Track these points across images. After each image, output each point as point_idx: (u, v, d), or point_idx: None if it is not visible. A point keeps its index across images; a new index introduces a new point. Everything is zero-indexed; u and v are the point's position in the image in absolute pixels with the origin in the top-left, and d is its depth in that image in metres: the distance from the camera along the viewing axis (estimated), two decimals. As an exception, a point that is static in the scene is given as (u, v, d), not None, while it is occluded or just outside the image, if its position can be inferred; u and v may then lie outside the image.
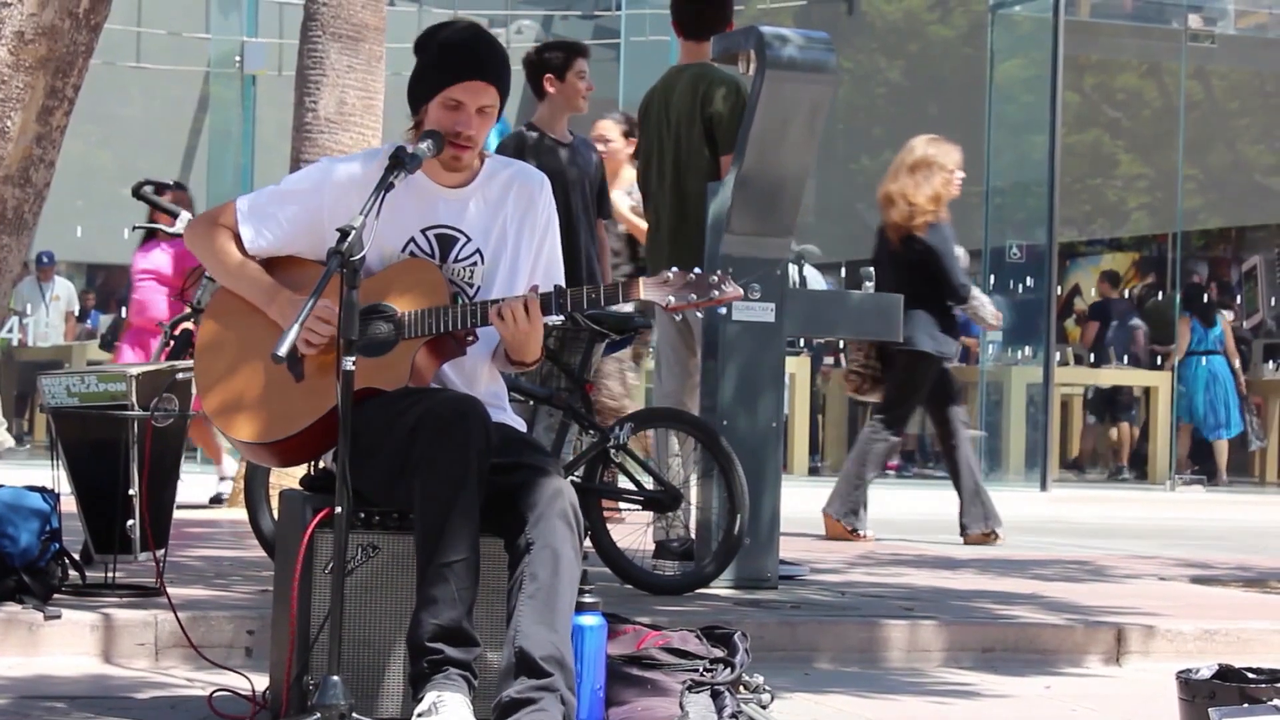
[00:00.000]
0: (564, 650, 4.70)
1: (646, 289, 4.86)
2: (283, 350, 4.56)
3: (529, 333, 4.91)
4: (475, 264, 5.11)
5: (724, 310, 7.50)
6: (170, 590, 6.25)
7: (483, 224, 5.13)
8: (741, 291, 4.92)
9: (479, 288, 5.10)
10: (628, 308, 7.34)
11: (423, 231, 5.09)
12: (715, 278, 4.86)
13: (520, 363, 5.07)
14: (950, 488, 10.96)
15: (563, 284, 5.06)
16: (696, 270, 4.89)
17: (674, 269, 4.90)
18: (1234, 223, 25.63)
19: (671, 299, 4.85)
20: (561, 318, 5.17)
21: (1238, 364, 19.77)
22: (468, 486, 4.71)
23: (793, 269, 15.79)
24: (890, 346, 10.47)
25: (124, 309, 20.12)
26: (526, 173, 5.25)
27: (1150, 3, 20.13)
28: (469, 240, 5.11)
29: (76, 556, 6.56)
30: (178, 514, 7.05)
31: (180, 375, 6.64)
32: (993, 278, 18.18)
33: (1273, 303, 24.19)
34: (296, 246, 5.12)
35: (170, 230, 8.27)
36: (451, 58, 5.04)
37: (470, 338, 5.02)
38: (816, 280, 18.44)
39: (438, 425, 4.74)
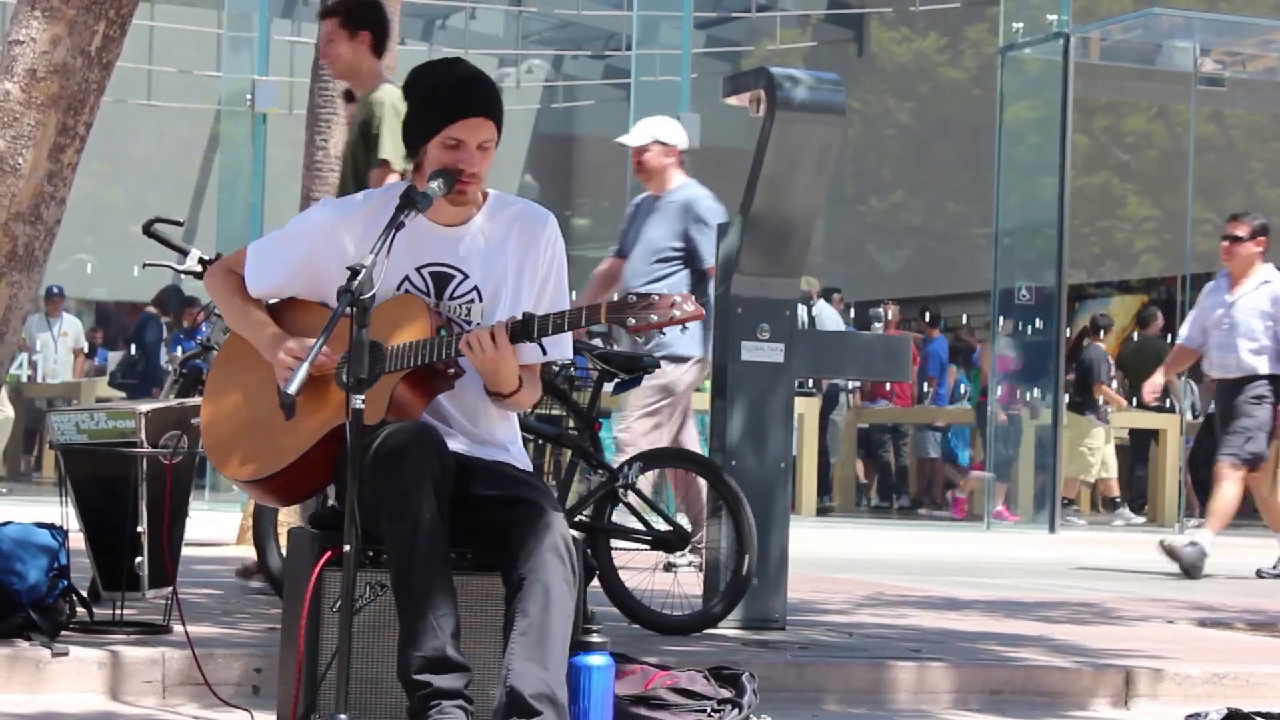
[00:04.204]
0: (556, 687, 4.69)
1: (610, 312, 4.88)
2: (293, 388, 4.59)
3: (498, 361, 4.92)
4: (473, 301, 5.12)
5: (732, 338, 7.51)
6: (177, 627, 6.24)
7: (481, 261, 5.14)
8: (703, 311, 4.95)
9: (478, 325, 5.10)
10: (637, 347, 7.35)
11: (417, 270, 5.10)
12: (678, 298, 4.88)
13: (498, 394, 5.06)
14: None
15: None
16: (661, 292, 4.91)
17: (639, 290, 4.92)
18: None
19: (632, 320, 4.86)
20: (555, 354, 5.18)
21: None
22: (427, 515, 4.72)
23: (801, 309, 15.81)
24: None
25: (132, 346, 20.19)
26: (530, 210, 5.26)
27: (1159, 46, 20.15)
28: (466, 277, 5.12)
29: (84, 593, 6.56)
30: (186, 551, 7.04)
31: (192, 417, 6.65)
32: (1001, 320, 18.18)
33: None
34: (294, 288, 5.17)
35: (180, 268, 8.27)
36: (446, 97, 5.05)
37: (452, 370, 5.03)
38: (832, 317, 18.45)
39: (384, 458, 4.77)
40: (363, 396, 4.64)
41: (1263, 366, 12.14)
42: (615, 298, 4.91)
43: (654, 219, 9.69)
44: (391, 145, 7.76)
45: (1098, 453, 19.21)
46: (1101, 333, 20.03)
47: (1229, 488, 12.19)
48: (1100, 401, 19.29)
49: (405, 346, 4.96)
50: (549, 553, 4.75)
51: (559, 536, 4.78)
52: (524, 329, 4.91)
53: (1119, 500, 19.96)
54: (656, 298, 4.86)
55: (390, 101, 7.83)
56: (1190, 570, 12.02)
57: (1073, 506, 19.28)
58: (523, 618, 4.71)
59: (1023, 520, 18.12)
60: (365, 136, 7.95)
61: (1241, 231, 12.33)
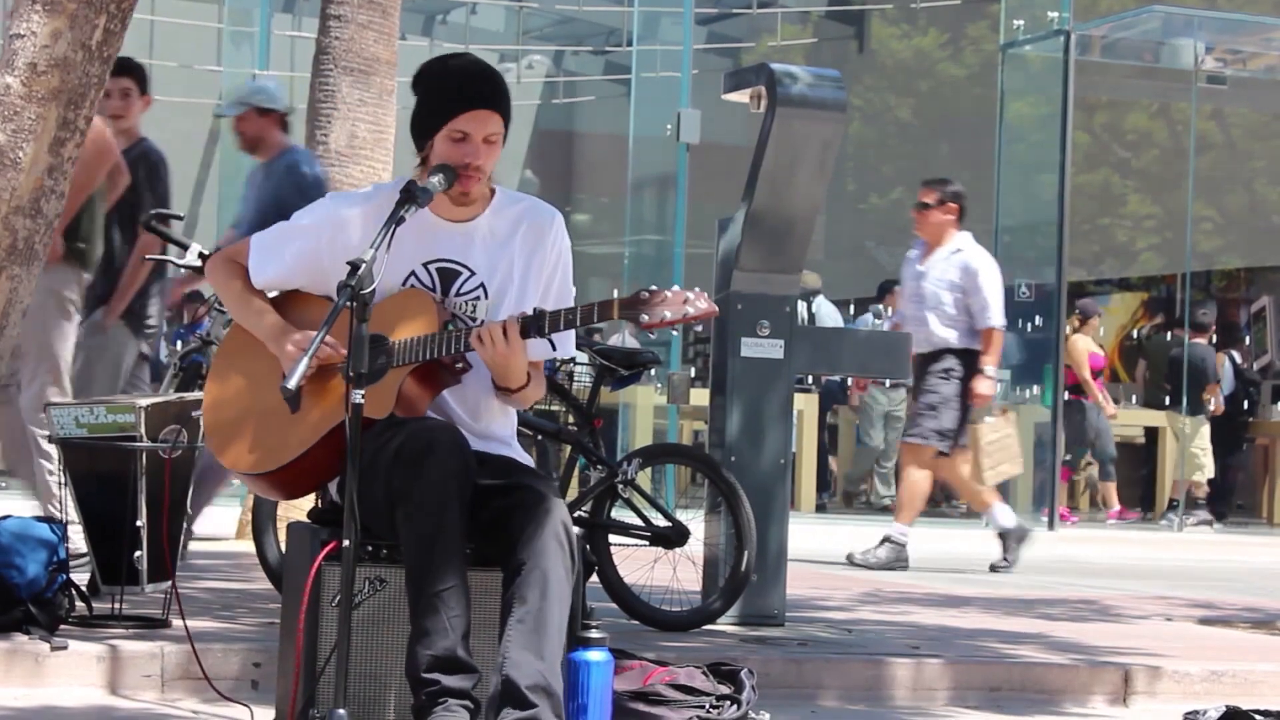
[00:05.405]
0: (551, 678, 4.69)
1: (622, 308, 4.87)
2: (292, 383, 4.59)
3: (508, 357, 4.91)
4: (478, 298, 5.12)
5: (734, 342, 7.51)
6: (176, 622, 6.24)
7: (488, 258, 5.13)
8: (716, 308, 4.93)
9: (483, 322, 5.10)
10: (636, 344, 7.35)
11: (424, 265, 5.10)
12: (690, 294, 4.87)
13: (506, 389, 5.06)
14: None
15: None
16: (674, 287, 4.90)
17: (651, 287, 4.91)
18: (1253, 263, 25.60)
19: (646, 317, 4.85)
20: (560, 352, 5.18)
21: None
22: (448, 514, 4.72)
23: (801, 305, 15.81)
24: None
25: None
26: (538, 208, 5.26)
27: (1161, 43, 20.14)
28: (472, 274, 5.12)
29: (84, 587, 6.56)
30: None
31: (192, 411, 6.65)
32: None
33: (1281, 344, 24.17)
34: (298, 281, 5.16)
35: (180, 263, 8.27)
36: (453, 90, 5.05)
37: (460, 364, 5.03)
38: (831, 314, 18.43)
39: (410, 456, 4.76)
40: (363, 392, 4.64)
41: (954, 340, 11.40)
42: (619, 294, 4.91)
43: (264, 187, 9.27)
44: None
45: (1208, 453, 18.97)
46: (1209, 336, 19.47)
47: (914, 474, 11.46)
48: (1208, 402, 19.01)
49: (413, 341, 4.95)
50: (550, 539, 4.74)
51: (560, 523, 4.78)
52: (535, 324, 4.91)
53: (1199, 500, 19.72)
54: (669, 293, 4.86)
55: None
56: (894, 567, 11.35)
57: (1192, 510, 18.92)
58: (520, 605, 4.71)
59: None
60: None
61: (930, 199, 11.65)
